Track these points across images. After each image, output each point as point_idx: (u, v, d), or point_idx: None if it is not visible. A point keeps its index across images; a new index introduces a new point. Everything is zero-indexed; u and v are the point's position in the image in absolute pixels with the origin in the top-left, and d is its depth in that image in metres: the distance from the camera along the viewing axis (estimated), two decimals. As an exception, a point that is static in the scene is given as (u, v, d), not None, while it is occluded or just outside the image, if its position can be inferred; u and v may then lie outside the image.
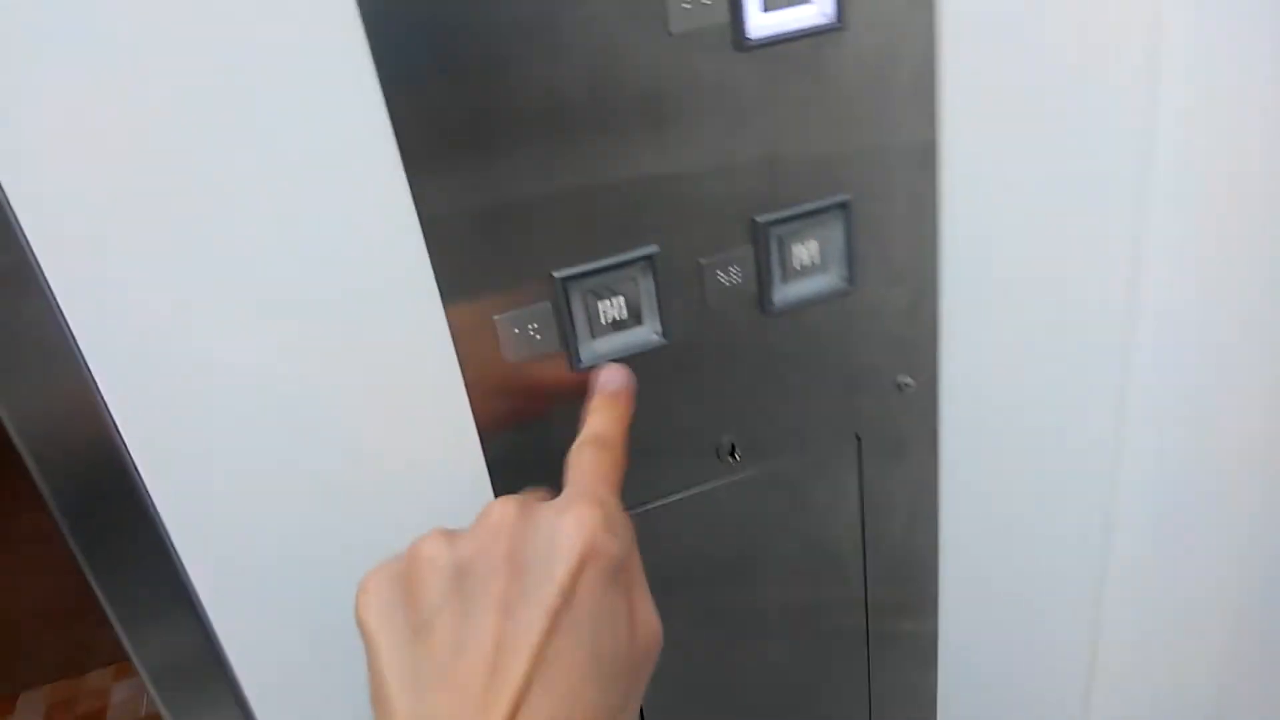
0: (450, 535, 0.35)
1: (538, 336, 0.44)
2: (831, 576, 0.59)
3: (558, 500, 0.37)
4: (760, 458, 0.52)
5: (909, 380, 0.54)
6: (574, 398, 0.44)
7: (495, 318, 0.43)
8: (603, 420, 0.41)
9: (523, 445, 0.47)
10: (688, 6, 0.41)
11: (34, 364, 0.37)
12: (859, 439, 0.54)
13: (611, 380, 0.44)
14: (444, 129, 0.39)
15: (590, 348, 0.46)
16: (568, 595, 0.32)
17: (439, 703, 0.31)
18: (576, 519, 0.34)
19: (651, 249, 0.45)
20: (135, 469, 0.40)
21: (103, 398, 0.39)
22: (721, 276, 0.46)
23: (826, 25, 0.44)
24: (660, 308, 0.46)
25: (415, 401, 0.44)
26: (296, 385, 0.42)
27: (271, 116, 0.37)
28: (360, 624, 0.34)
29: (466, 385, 0.44)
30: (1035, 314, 0.57)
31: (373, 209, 0.40)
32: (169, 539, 0.42)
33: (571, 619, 0.32)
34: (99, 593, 0.42)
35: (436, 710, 0.31)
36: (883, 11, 0.44)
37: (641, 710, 0.57)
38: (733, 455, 0.51)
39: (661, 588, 0.55)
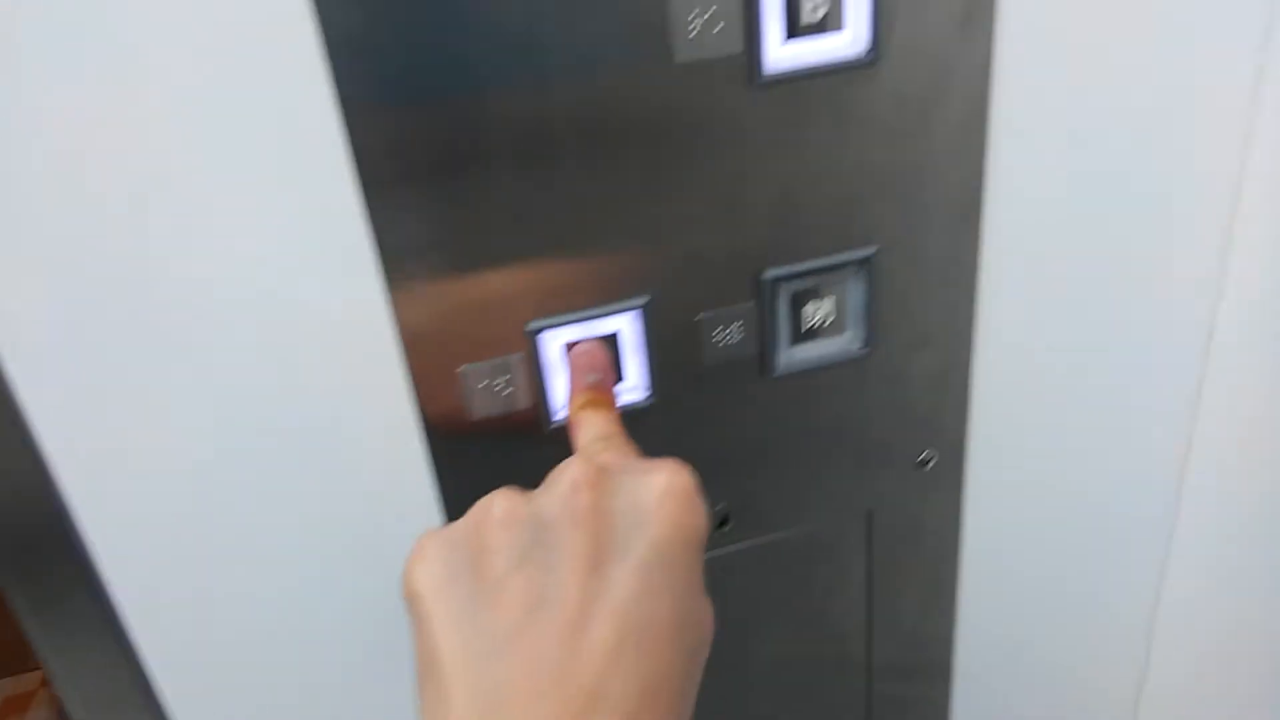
0: (522, 492, 0.31)
1: (507, 391, 0.40)
2: (831, 657, 0.54)
3: (636, 462, 0.33)
4: (757, 530, 0.47)
5: (932, 454, 0.48)
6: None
7: (460, 370, 0.39)
8: (597, 422, 0.37)
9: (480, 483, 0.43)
10: (695, 33, 0.36)
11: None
12: (870, 515, 0.49)
13: (587, 369, 0.39)
14: (410, 159, 0.35)
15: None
16: (661, 553, 0.29)
17: (509, 669, 0.27)
18: (669, 478, 0.30)
19: (642, 300, 0.40)
20: (77, 530, 0.38)
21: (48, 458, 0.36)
22: (719, 334, 0.41)
23: (857, 59, 0.38)
24: (650, 364, 0.41)
25: (366, 444, 0.40)
26: (244, 421, 0.38)
27: (207, 132, 0.33)
28: (411, 596, 0.30)
29: (426, 435, 0.40)
30: (1086, 385, 0.50)
31: (325, 241, 0.36)
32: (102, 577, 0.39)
33: (662, 580, 0.29)
34: (26, 628, 0.40)
35: (506, 677, 0.27)
36: (927, 41, 0.39)
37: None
38: (723, 525, 0.46)
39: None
